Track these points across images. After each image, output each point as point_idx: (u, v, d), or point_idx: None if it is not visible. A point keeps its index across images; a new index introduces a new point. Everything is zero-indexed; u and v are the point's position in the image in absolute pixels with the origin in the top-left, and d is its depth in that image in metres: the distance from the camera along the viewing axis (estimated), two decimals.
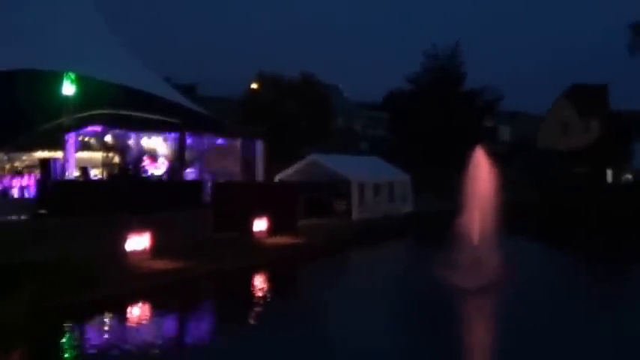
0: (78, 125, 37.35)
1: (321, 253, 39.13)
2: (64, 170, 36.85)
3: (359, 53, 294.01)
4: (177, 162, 40.96)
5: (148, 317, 23.63)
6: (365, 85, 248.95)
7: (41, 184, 35.10)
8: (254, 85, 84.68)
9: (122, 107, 39.11)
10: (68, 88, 35.96)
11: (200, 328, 22.43)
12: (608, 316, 23.17)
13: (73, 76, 36.24)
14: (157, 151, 42.67)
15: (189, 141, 42.16)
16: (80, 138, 39.41)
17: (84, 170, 38.46)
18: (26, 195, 36.28)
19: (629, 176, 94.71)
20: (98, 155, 40.61)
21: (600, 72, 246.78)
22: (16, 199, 36.01)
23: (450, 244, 29.95)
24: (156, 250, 31.23)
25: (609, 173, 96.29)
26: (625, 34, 66.95)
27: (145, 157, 40.53)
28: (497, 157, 34.54)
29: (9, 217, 31.69)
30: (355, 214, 55.10)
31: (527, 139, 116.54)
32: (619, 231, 47.15)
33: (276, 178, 55.74)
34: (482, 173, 31.58)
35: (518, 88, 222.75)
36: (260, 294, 28.06)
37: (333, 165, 56.59)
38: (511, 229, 35.13)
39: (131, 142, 41.25)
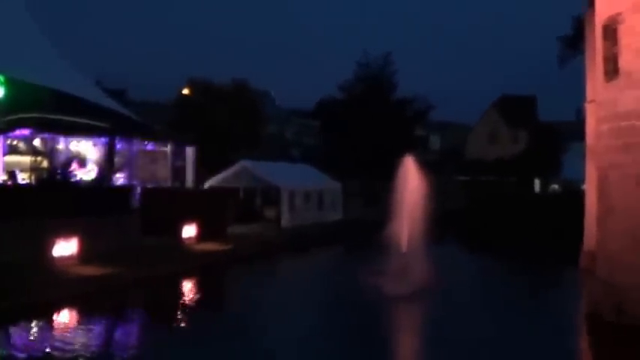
0: (6, 128, 36.91)
1: (250, 260, 39.09)
2: None
3: (292, 60, 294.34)
4: (107, 167, 40.64)
5: (72, 324, 23.36)
6: (298, 92, 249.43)
7: None
8: (185, 91, 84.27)
9: (51, 111, 38.71)
10: None
11: (125, 334, 22.26)
12: (524, 322, 23.83)
13: (1, 78, 35.81)
14: (86, 155, 42.32)
15: (118, 146, 41.88)
16: (8, 142, 38.97)
17: (12, 174, 37.98)
18: None
19: (557, 186, 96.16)
20: (26, 159, 40.14)
21: (530, 83, 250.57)
22: None
23: (378, 252, 30.17)
24: (84, 255, 30.90)
25: (537, 183, 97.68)
26: (554, 46, 67.90)
27: (73, 162, 40.11)
28: (427, 166, 34.84)
29: None
30: (285, 222, 55.17)
31: (456, 148, 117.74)
32: (542, 239, 47.85)
33: (207, 185, 55.54)
34: (411, 181, 31.79)
35: (448, 98, 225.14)
36: (186, 301, 27.96)
37: (264, 172, 56.60)
38: (439, 237, 35.50)
39: (60, 146, 40.88)
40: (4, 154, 38.08)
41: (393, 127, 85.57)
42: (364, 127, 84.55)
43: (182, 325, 23.41)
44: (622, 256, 21.83)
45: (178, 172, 47.46)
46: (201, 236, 40.65)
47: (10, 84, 35.97)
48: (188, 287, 31.29)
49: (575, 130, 60.94)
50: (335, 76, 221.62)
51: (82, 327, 22.64)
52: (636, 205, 21.31)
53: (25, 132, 38.68)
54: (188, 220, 40.44)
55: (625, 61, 21.98)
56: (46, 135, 39.79)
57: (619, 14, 22.23)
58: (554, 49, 69.05)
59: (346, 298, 27.82)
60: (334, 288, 30.89)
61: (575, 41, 59.34)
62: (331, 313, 25.52)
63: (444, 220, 39.68)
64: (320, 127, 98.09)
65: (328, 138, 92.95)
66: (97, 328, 22.58)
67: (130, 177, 42.51)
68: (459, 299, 27.38)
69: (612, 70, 22.73)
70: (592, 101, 32.19)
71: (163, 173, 46.94)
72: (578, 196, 42.04)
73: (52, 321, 23.17)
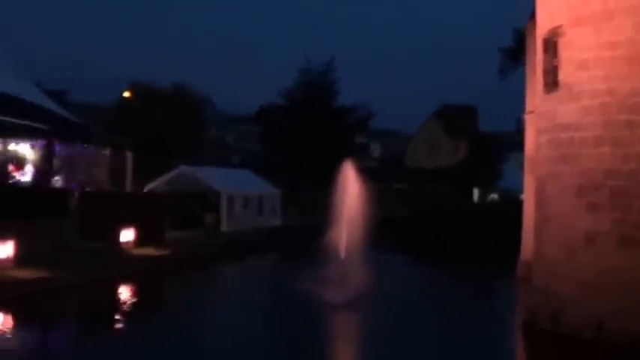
0: None
1: (188, 266, 38.84)
2: None
3: (234, 66, 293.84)
4: (45, 169, 40.19)
5: (5, 328, 23.02)
6: (239, 97, 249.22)
7: None
8: (126, 94, 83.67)
9: None
10: None
11: (58, 338, 22.02)
12: (460, 329, 24.04)
13: None
14: (24, 157, 41.81)
15: (57, 148, 41.43)
16: None
17: None
18: None
19: (495, 196, 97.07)
20: None
21: (471, 93, 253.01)
22: None
23: (317, 259, 30.18)
24: (19, 258, 30.46)
25: (476, 192, 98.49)
26: (496, 57, 68.55)
27: (10, 164, 39.61)
28: (367, 174, 34.93)
29: None
30: (224, 227, 54.97)
31: (397, 156, 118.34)
32: (480, 248, 48.25)
33: (146, 189, 55.11)
34: (351, 189, 31.85)
35: (390, 107, 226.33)
36: (121, 306, 27.68)
37: (203, 177, 56.33)
38: (378, 245, 35.61)
39: None
40: None
41: (334, 134, 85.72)
42: (305, 133, 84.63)
43: (109, 330, 23.10)
44: (558, 266, 22.09)
45: (117, 176, 47.08)
46: (139, 241, 40.27)
47: None
48: (122, 292, 30.95)
49: (515, 140, 61.62)
50: (277, 82, 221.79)
51: (9, 331, 22.32)
52: (573, 215, 21.58)
53: None
54: (126, 224, 40.05)
55: (565, 74, 22.25)
56: None
57: (559, 27, 22.51)
58: (495, 61, 69.74)
59: (283, 305, 27.82)
60: (272, 294, 30.86)
61: (516, 53, 60.01)
62: (267, 320, 25.47)
63: (383, 227, 39.78)
64: (261, 133, 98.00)
65: (269, 144, 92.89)
66: (24, 332, 22.28)
67: (68, 180, 42.09)
68: (397, 307, 27.44)
69: (552, 82, 23.01)
70: (532, 112, 32.56)
71: (102, 177, 46.55)
72: (517, 206, 42.46)
73: None
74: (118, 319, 24.66)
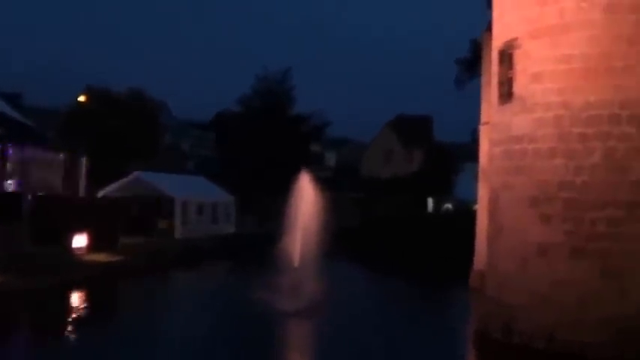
0: None
1: (140, 272, 38.62)
2: None
3: (191, 71, 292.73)
4: None
5: None
6: (196, 103, 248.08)
7: None
8: (82, 98, 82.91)
9: None
10: None
11: (5, 343, 21.79)
12: (413, 338, 24.18)
13: None
14: None
15: (10, 152, 41.02)
16: None
17: None
18: None
19: (450, 206, 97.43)
20: None
21: (427, 103, 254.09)
22: None
23: (271, 267, 30.14)
24: None
25: (430, 202, 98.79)
26: (452, 68, 68.85)
27: None
28: (322, 182, 34.98)
29: None
30: (178, 233, 54.79)
31: (352, 165, 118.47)
32: (434, 258, 48.49)
33: (100, 194, 54.70)
34: (306, 197, 31.86)
35: (346, 115, 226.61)
36: (69, 313, 27.46)
37: (158, 183, 56.08)
38: (332, 254, 35.62)
39: None
40: None
41: (290, 142, 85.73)
42: (261, 141, 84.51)
43: (56, 338, 22.85)
44: (510, 276, 22.22)
45: (71, 181, 46.70)
46: (92, 246, 39.98)
47: None
48: (72, 298, 30.72)
49: (470, 150, 61.92)
50: (234, 89, 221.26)
51: None
52: (525, 226, 21.73)
53: None
54: (79, 229, 39.75)
55: (519, 86, 22.43)
56: None
57: (515, 39, 22.68)
58: (452, 71, 70.06)
59: (236, 313, 27.77)
60: (224, 303, 30.76)
61: (472, 64, 60.23)
62: (219, 328, 25.41)
63: (337, 236, 39.76)
64: (217, 139, 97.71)
65: (224, 151, 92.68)
66: None
67: (21, 184, 41.65)
68: (349, 316, 27.47)
69: (507, 93, 23.18)
70: (486, 123, 32.75)
71: (56, 181, 46.14)
72: (470, 216, 42.69)
73: None
74: (65, 327, 24.43)
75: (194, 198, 58.13)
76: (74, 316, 26.77)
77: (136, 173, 57.09)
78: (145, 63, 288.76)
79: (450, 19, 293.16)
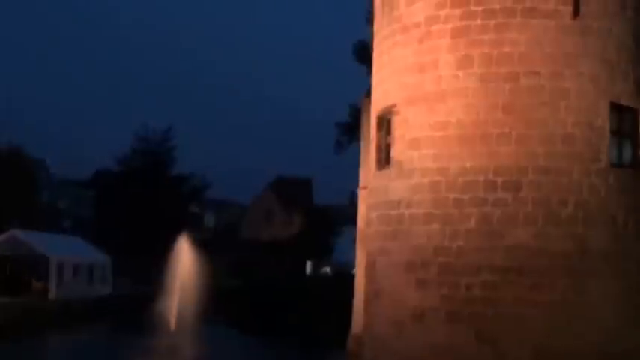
0: None
1: (9, 333, 37.52)
2: None
3: (70, 127, 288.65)
4: None
5: None
6: (74, 161, 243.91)
7: None
8: None
9: None
10: None
11: None
12: None
13: None
14: None
15: None
16: None
17: None
18: None
19: (328, 269, 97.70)
20: None
21: (307, 166, 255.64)
22: None
23: (147, 330, 29.72)
24: None
25: (309, 265, 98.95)
26: (332, 132, 69.26)
27: None
28: (201, 244, 34.84)
29: None
30: (53, 294, 53.60)
31: (232, 227, 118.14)
32: (312, 321, 48.48)
33: None
34: (184, 259, 31.69)
35: (226, 177, 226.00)
36: None
37: (33, 242, 54.95)
38: (209, 316, 35.34)
39: None
40: None
41: (169, 203, 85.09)
42: (140, 201, 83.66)
43: None
44: (387, 341, 22.31)
45: None
46: None
47: None
48: None
49: (349, 214, 62.37)
50: (114, 147, 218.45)
51: None
52: (402, 290, 21.89)
53: None
54: None
55: (397, 152, 22.73)
56: None
57: (394, 106, 23.04)
58: (332, 135, 70.47)
59: None
60: None
61: (352, 128, 60.77)
62: None
63: (215, 299, 39.51)
64: (95, 199, 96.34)
65: (103, 211, 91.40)
66: None
67: None
68: None
69: (385, 159, 23.48)
70: (364, 188, 33.01)
71: None
72: (349, 280, 42.83)
73: None
74: None
75: (70, 258, 57.12)
76: None
77: (11, 232, 55.87)
78: (25, 119, 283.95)
79: (331, 83, 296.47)
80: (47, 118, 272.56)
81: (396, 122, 22.96)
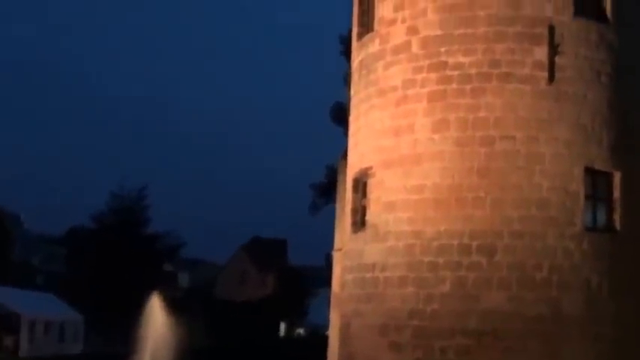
0: None
1: None
2: None
3: (45, 183, 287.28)
4: None
5: None
6: (48, 216, 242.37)
7: None
8: None
9: None
10: None
11: None
12: None
13: None
14: None
15: None
16: None
17: None
18: None
19: (302, 331, 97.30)
20: None
21: (282, 226, 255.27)
22: None
23: None
24: None
25: (283, 326, 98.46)
26: (307, 194, 69.22)
27: None
28: (175, 303, 34.58)
29: None
30: (24, 351, 53.06)
31: (206, 287, 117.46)
32: None
33: None
34: (156, 318, 31.34)
35: (201, 236, 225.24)
36: None
37: (5, 298, 54.50)
38: None
39: None
40: None
41: (143, 261, 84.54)
42: (113, 259, 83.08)
43: None
44: None
45: None
46: None
47: None
48: None
49: (324, 275, 62.13)
50: (90, 202, 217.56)
51: None
52: (375, 354, 21.78)
53: None
54: None
55: (372, 214, 22.76)
56: None
57: (370, 168, 23.12)
58: (308, 196, 70.41)
59: None
60: None
61: (328, 189, 60.80)
62: None
63: (189, 358, 39.08)
64: (68, 255, 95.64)
65: (76, 268, 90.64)
66: None
67: None
68: None
69: (360, 221, 23.52)
70: (339, 250, 32.95)
71: None
72: (323, 342, 42.56)
73: None
74: None
75: (42, 316, 56.64)
76: None
77: None
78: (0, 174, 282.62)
79: (308, 144, 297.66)
80: (22, 173, 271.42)
81: (372, 185, 23.03)
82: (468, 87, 21.67)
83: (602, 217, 22.30)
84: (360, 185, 23.88)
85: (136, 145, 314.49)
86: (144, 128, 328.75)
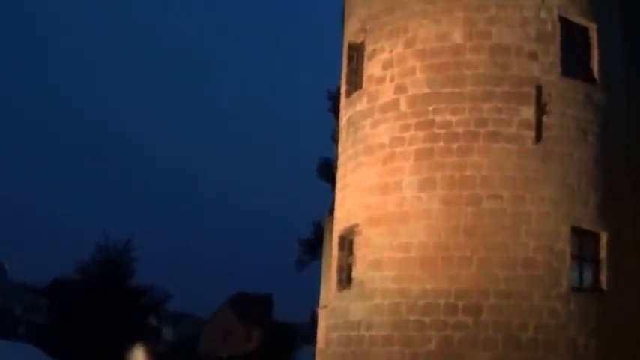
0: None
1: None
2: None
3: (30, 232, 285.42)
4: None
5: None
6: (32, 265, 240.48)
7: None
8: None
9: None
10: None
11: None
12: None
13: None
14: None
15: None
16: None
17: None
18: None
19: None
20: None
21: (268, 282, 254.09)
22: None
23: None
24: None
25: None
26: (294, 249, 68.96)
27: None
28: (159, 358, 34.25)
29: None
30: None
31: (190, 341, 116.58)
32: None
33: None
34: None
35: (185, 289, 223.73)
36: None
37: None
38: None
39: None
40: None
41: (127, 314, 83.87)
42: (97, 312, 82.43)
43: None
44: None
45: None
46: None
47: None
48: None
49: (310, 332, 61.74)
50: (74, 252, 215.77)
51: None
52: None
53: None
54: None
55: (358, 272, 22.66)
56: None
57: (356, 226, 23.07)
58: (294, 251, 70.12)
59: None
60: None
61: (314, 246, 60.58)
62: None
63: None
64: (51, 306, 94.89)
65: (59, 319, 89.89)
66: None
67: None
68: None
69: (346, 279, 23.42)
70: (325, 307, 32.76)
71: None
72: None
73: None
74: None
75: None
76: None
77: None
78: None
79: (294, 199, 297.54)
80: (7, 221, 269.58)
81: (358, 242, 22.96)
82: (454, 145, 21.72)
83: (588, 277, 22.24)
84: (347, 243, 23.83)
85: (123, 195, 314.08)
86: (132, 178, 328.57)
